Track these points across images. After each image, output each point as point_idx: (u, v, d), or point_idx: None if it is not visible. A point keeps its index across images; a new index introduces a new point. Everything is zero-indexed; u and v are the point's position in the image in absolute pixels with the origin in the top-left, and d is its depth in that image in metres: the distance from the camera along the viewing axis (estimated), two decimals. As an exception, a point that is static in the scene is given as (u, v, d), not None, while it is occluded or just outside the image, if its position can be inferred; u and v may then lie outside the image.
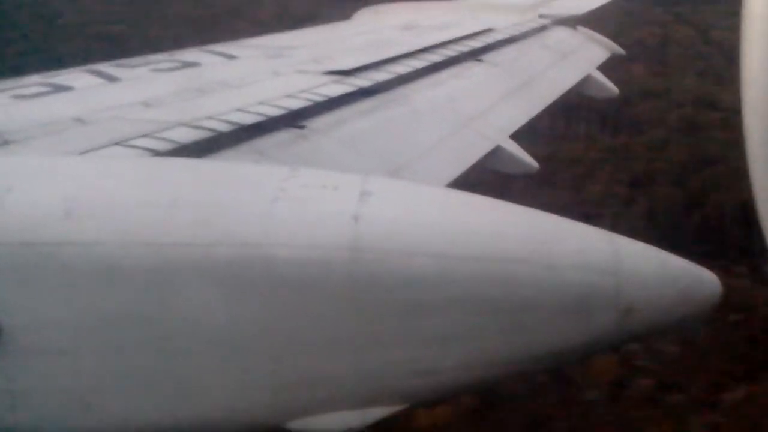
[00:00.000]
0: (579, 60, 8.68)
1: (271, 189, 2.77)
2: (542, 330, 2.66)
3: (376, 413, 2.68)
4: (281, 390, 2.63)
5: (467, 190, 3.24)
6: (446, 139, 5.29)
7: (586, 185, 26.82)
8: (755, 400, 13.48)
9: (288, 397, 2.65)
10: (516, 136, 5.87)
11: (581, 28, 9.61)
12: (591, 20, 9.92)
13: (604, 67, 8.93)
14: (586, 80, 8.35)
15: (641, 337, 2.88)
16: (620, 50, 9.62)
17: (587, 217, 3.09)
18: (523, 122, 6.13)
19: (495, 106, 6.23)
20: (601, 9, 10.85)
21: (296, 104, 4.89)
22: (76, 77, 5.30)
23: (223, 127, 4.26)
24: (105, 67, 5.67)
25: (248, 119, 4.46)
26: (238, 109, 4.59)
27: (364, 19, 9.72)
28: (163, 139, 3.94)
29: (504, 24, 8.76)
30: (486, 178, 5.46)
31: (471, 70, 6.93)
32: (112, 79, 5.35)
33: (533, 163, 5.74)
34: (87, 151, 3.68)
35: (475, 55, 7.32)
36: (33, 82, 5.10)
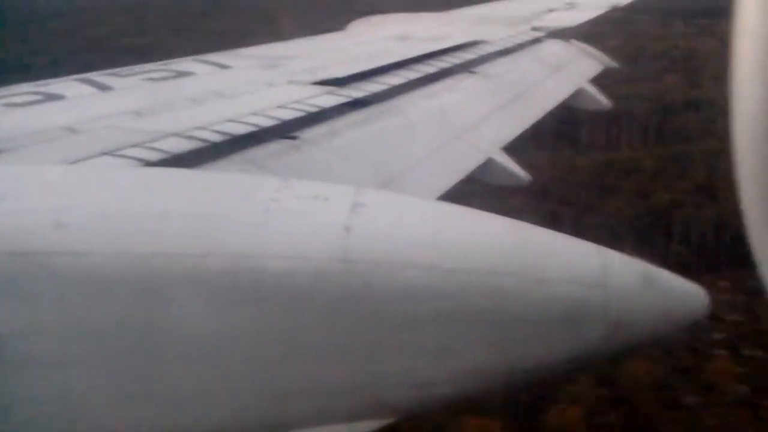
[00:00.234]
0: (571, 73, 8.71)
1: (263, 200, 2.77)
2: (531, 343, 2.66)
3: (365, 426, 2.67)
4: (272, 402, 2.62)
5: (459, 202, 3.24)
6: (438, 151, 5.29)
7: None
8: None
9: (279, 410, 2.64)
10: (516, 147, 5.88)
11: (574, 41, 9.64)
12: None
13: (597, 80, 8.96)
14: (579, 93, 8.37)
15: (630, 351, 2.88)
16: (613, 63, 9.66)
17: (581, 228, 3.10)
18: (516, 135, 6.14)
19: (487, 119, 6.24)
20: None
21: (289, 115, 4.89)
22: (68, 86, 5.29)
23: (215, 138, 4.26)
24: (97, 76, 5.66)
25: (240, 130, 4.46)
26: (231, 120, 4.59)
27: (359, 30, 9.75)
28: (155, 149, 3.93)
29: (497, 36, 8.79)
30: (478, 190, 5.46)
31: (464, 81, 6.94)
32: (104, 88, 5.34)
33: (525, 176, 5.75)
34: (78, 161, 3.67)
35: (468, 67, 7.33)
36: (24, 90, 5.10)
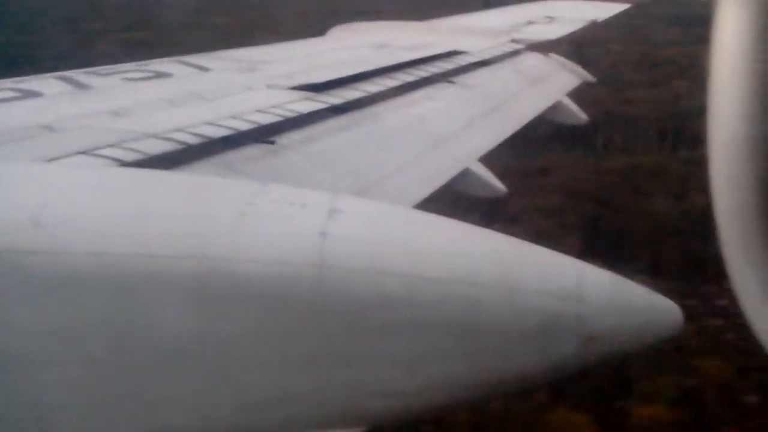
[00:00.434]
0: (550, 86, 8.76)
1: (239, 203, 2.77)
2: (505, 354, 2.67)
3: None
4: (243, 408, 2.61)
5: (435, 211, 3.25)
6: (416, 160, 5.31)
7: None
8: None
9: (249, 416, 2.63)
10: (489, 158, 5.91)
11: (553, 55, 9.71)
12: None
13: (574, 93, 9.02)
14: (556, 106, 8.42)
15: (603, 365, 2.90)
16: (590, 77, 9.73)
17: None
18: (492, 146, 6.16)
19: (465, 129, 6.26)
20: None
21: (267, 119, 4.88)
22: (47, 84, 5.25)
23: (193, 140, 4.24)
24: (75, 74, 5.63)
25: (218, 133, 4.45)
26: (209, 123, 4.58)
27: (339, 36, 9.76)
28: (132, 149, 3.91)
29: (477, 47, 8.83)
30: (454, 199, 5.48)
31: (443, 91, 6.97)
32: (82, 86, 5.31)
33: (501, 187, 5.77)
34: (54, 159, 3.65)
35: (447, 76, 7.36)
36: (2, 86, 5.05)
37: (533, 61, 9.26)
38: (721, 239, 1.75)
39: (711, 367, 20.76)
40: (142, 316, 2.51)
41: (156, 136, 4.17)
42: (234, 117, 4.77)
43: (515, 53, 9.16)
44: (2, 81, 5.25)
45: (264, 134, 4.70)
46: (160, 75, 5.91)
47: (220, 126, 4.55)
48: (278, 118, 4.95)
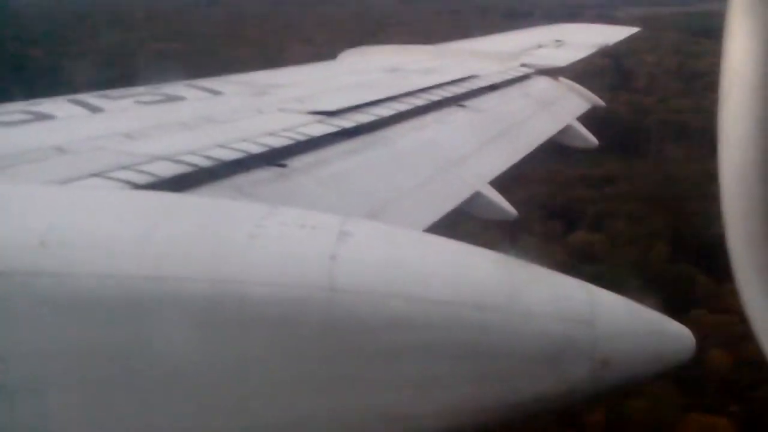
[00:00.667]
0: (559, 110, 8.77)
1: (249, 226, 2.77)
2: (516, 379, 2.65)
3: None
4: (253, 431, 2.60)
5: (446, 234, 3.25)
6: (426, 183, 5.31)
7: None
8: None
9: None
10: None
11: (562, 79, 9.73)
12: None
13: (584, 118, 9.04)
14: (566, 130, 8.43)
15: (616, 391, 2.87)
16: (600, 102, 9.74)
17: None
18: (503, 169, 6.17)
19: (475, 152, 6.27)
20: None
21: (278, 142, 4.90)
22: (59, 106, 5.29)
23: (204, 163, 4.26)
24: (88, 97, 5.67)
25: (229, 156, 4.47)
26: (220, 145, 4.60)
27: (350, 60, 9.81)
28: (143, 172, 3.93)
29: (486, 71, 8.85)
30: (465, 223, 5.47)
31: (453, 115, 6.98)
32: (94, 109, 5.34)
33: (512, 210, 5.77)
34: (66, 181, 3.66)
35: (457, 100, 7.37)
36: (15, 109, 5.09)
37: (543, 85, 9.28)
38: (730, 253, 1.74)
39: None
40: (152, 338, 2.51)
41: (168, 159, 4.19)
42: (245, 140, 4.79)
43: (525, 77, 9.18)
44: (14, 104, 5.30)
45: (275, 157, 4.72)
46: (172, 98, 5.94)
47: (231, 149, 4.57)
48: (290, 141, 4.97)
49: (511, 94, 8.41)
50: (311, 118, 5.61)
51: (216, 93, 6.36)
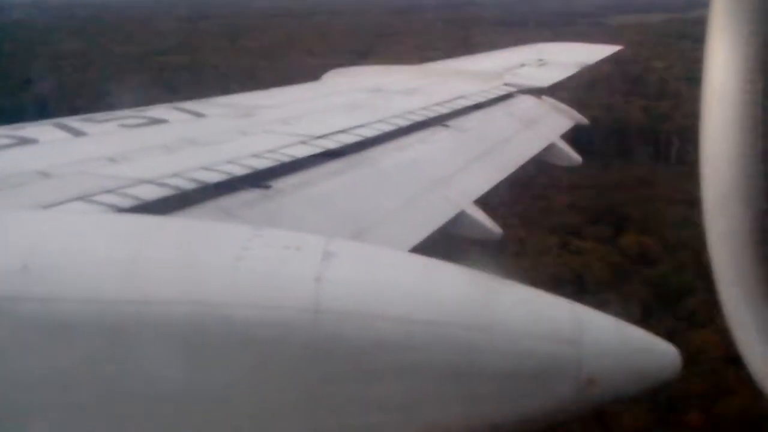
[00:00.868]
0: (543, 128, 8.81)
1: (233, 248, 2.76)
2: (502, 398, 2.65)
3: None
4: None
5: (430, 254, 3.25)
6: (411, 203, 5.32)
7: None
8: None
9: None
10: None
11: (545, 97, 9.78)
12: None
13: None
14: (550, 148, 8.47)
15: (602, 408, 2.88)
16: (584, 120, 9.80)
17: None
18: (488, 188, 6.18)
19: (460, 172, 6.29)
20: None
21: (262, 164, 4.90)
22: (42, 131, 5.28)
23: (188, 185, 4.25)
24: (71, 121, 5.65)
25: (214, 178, 4.46)
26: (204, 168, 4.60)
27: (333, 81, 9.83)
28: (128, 195, 3.92)
29: (470, 91, 8.89)
30: (449, 243, 5.48)
31: (437, 135, 7.00)
32: (78, 133, 5.33)
33: (497, 229, 5.78)
34: (50, 206, 3.65)
35: (441, 120, 7.40)
36: None
37: (527, 104, 9.33)
38: (719, 287, 1.75)
39: None
40: (136, 362, 2.49)
41: (152, 182, 4.18)
42: (229, 162, 4.79)
43: (508, 96, 9.23)
44: None
45: (260, 179, 4.72)
46: (155, 121, 5.94)
47: (216, 171, 4.57)
48: (274, 163, 4.97)
49: (494, 114, 8.45)
50: (295, 139, 5.62)
51: (199, 115, 6.36)
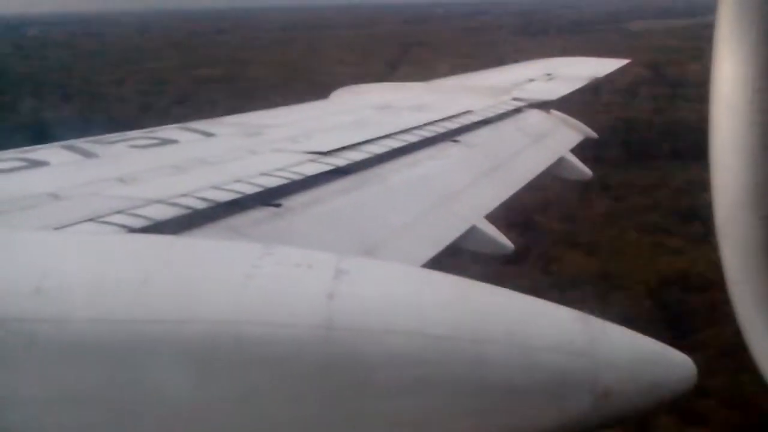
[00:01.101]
0: (553, 142, 8.80)
1: (244, 266, 2.76)
2: (517, 413, 2.63)
3: None
4: None
5: (442, 270, 3.24)
6: (422, 219, 5.31)
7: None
8: None
9: None
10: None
11: (555, 112, 9.78)
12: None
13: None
14: (560, 162, 8.46)
15: (618, 422, 2.85)
16: (593, 134, 9.78)
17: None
18: (498, 203, 6.17)
19: (470, 187, 6.28)
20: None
21: (272, 182, 4.91)
22: (53, 153, 5.31)
23: (199, 205, 4.26)
24: (81, 143, 5.68)
25: (224, 197, 4.47)
26: (214, 187, 4.60)
27: (342, 98, 9.85)
28: (139, 215, 3.93)
29: (478, 106, 8.89)
30: (461, 258, 5.46)
31: (447, 150, 7.00)
32: (88, 155, 5.35)
33: (508, 244, 5.76)
34: (61, 227, 3.66)
35: (450, 136, 7.40)
36: (8, 156, 5.10)
37: (536, 118, 9.32)
38: (730, 287, 1.74)
39: None
40: (149, 382, 2.49)
41: (162, 202, 4.19)
42: (239, 181, 4.79)
43: (517, 111, 9.22)
44: (7, 151, 5.31)
45: (270, 197, 4.72)
46: (165, 141, 5.96)
47: (226, 190, 4.57)
48: (284, 181, 4.98)
49: (503, 129, 8.44)
50: (304, 157, 5.62)
51: (209, 135, 6.38)
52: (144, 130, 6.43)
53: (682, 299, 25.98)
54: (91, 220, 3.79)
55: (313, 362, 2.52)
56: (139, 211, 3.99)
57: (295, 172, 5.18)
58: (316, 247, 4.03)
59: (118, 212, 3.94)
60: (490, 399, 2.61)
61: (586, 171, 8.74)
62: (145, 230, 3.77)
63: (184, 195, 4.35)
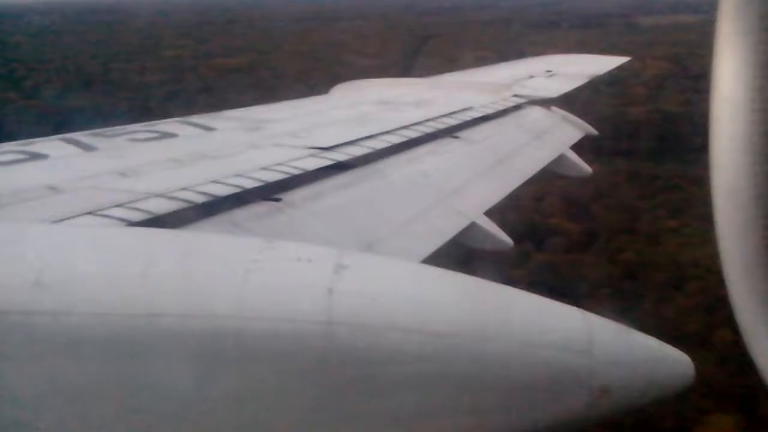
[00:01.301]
0: (553, 139, 8.79)
1: (244, 261, 2.76)
2: (515, 408, 2.64)
3: None
4: None
5: (442, 266, 3.24)
6: (422, 215, 5.30)
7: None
8: None
9: None
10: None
11: (555, 108, 9.76)
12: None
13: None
14: (560, 159, 8.45)
15: (616, 418, 2.85)
16: (593, 131, 9.77)
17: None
18: (498, 200, 6.17)
19: (470, 183, 6.27)
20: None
21: (272, 177, 4.90)
22: (52, 146, 5.30)
23: (199, 199, 4.25)
24: (81, 136, 5.67)
25: (224, 191, 4.46)
26: (214, 181, 4.60)
27: (342, 93, 9.84)
28: (138, 209, 3.92)
29: (479, 102, 8.89)
30: (461, 254, 5.46)
31: (447, 146, 6.99)
32: (88, 148, 5.35)
33: (508, 240, 5.76)
34: (60, 220, 3.65)
35: (451, 132, 7.39)
36: (8, 149, 5.09)
37: (536, 115, 9.31)
38: (729, 286, 1.74)
39: None
40: (148, 376, 2.49)
41: (162, 196, 4.19)
42: (239, 175, 4.79)
43: (517, 107, 9.21)
44: (7, 144, 5.30)
45: (270, 192, 4.72)
46: (165, 135, 5.95)
47: (226, 184, 4.57)
48: (284, 176, 4.97)
49: (503, 125, 8.43)
50: (305, 152, 5.62)
51: (209, 129, 6.37)
52: (144, 124, 6.43)
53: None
54: (90, 213, 3.78)
55: (313, 356, 2.52)
56: (138, 205, 3.98)
57: (295, 167, 5.17)
58: (316, 241, 4.03)
59: (118, 206, 3.93)
60: (488, 395, 2.61)
61: (586, 168, 8.73)
62: (144, 224, 3.76)
63: (184, 189, 4.34)
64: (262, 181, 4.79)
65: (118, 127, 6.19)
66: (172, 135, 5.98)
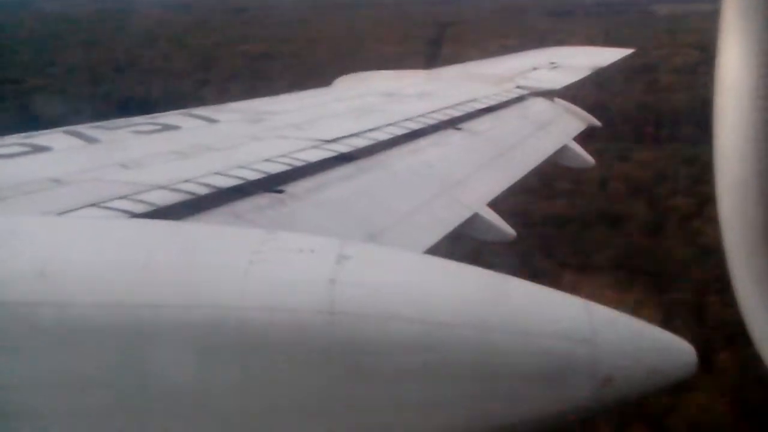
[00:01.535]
0: (556, 130, 8.78)
1: (247, 251, 2.76)
2: (518, 398, 2.64)
3: None
4: None
5: (444, 256, 3.24)
6: (424, 206, 5.30)
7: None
8: None
9: None
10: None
11: (558, 100, 9.75)
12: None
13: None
14: (563, 150, 8.44)
15: (619, 407, 2.85)
16: (596, 122, 9.76)
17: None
18: (501, 191, 6.16)
19: (473, 174, 6.27)
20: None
21: (275, 168, 4.90)
22: (55, 138, 5.30)
23: (201, 190, 4.26)
24: (84, 128, 5.68)
25: (227, 183, 4.47)
26: (217, 173, 4.60)
27: (345, 85, 9.83)
28: (141, 201, 3.93)
29: (482, 94, 8.88)
30: (464, 245, 5.46)
31: (450, 138, 6.98)
32: (91, 140, 5.35)
33: (511, 231, 5.76)
34: (63, 212, 3.66)
35: (454, 123, 7.38)
36: (11, 141, 5.10)
37: (539, 106, 9.30)
38: (732, 273, 1.74)
39: None
40: (151, 366, 2.50)
41: (165, 188, 4.19)
42: (242, 167, 4.79)
43: (521, 99, 9.20)
44: (10, 137, 5.30)
45: (272, 183, 4.72)
46: (168, 127, 5.95)
47: (228, 176, 4.57)
48: (286, 167, 4.97)
49: (507, 116, 8.43)
50: (308, 143, 5.62)
51: (212, 121, 6.38)
52: (148, 116, 6.43)
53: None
54: (93, 205, 3.79)
55: (315, 347, 2.52)
56: (141, 197, 3.99)
57: (298, 159, 5.17)
58: (318, 233, 4.03)
59: (121, 198, 3.94)
60: (491, 385, 2.62)
61: (589, 159, 8.72)
62: (147, 216, 3.77)
63: (186, 181, 4.35)
64: (265, 172, 4.79)
65: (120, 120, 6.20)
66: (175, 127, 5.98)
